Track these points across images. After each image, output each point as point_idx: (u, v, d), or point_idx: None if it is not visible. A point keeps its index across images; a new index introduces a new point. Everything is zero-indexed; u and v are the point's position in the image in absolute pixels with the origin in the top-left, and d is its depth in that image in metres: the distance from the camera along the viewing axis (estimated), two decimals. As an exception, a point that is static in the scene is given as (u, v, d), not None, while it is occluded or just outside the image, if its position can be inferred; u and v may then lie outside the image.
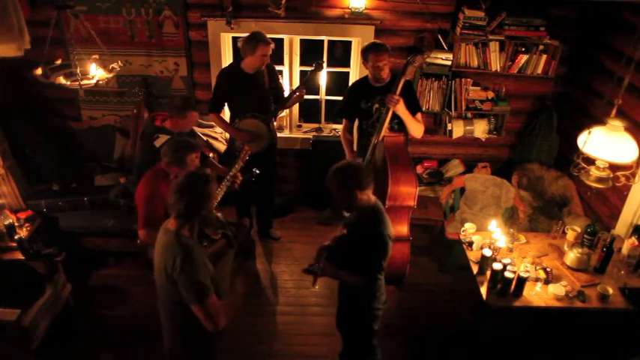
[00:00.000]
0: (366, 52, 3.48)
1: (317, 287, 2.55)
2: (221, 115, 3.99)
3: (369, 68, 3.54)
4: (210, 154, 4.27)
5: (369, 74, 3.63)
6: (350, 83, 4.73)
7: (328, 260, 2.60)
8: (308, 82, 3.96)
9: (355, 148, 3.96)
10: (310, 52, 4.90)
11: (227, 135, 4.56)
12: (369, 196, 2.49)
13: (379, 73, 3.49)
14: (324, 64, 4.20)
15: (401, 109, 3.43)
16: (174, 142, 2.95)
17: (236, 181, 3.25)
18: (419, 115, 3.62)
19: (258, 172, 3.46)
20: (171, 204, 2.12)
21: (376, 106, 3.61)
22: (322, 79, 4.67)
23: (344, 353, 3.12)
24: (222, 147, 4.50)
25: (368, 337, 2.89)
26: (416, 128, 3.59)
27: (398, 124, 3.65)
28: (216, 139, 4.55)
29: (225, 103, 3.96)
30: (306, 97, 4.06)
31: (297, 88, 3.92)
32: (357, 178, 2.43)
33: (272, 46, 3.65)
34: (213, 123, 4.59)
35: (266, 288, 4.09)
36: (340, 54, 5.80)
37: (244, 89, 3.78)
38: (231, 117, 3.96)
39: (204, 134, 4.48)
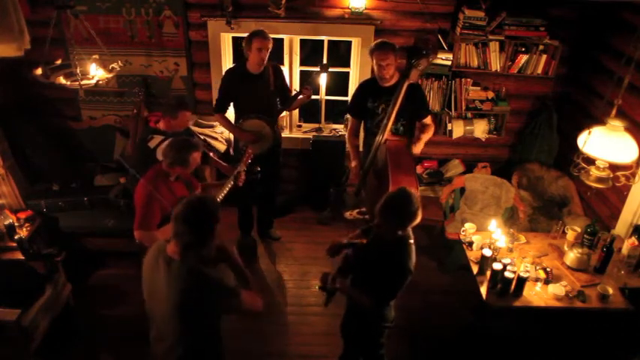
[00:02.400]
0: (371, 50, 3.48)
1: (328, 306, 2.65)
2: (226, 115, 3.98)
3: (374, 67, 3.54)
4: (210, 154, 4.28)
5: (375, 73, 3.62)
6: (349, 83, 4.75)
7: (341, 272, 2.64)
8: (311, 83, 3.95)
9: (361, 147, 3.95)
10: (315, 53, 4.91)
11: (227, 135, 4.57)
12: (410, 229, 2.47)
13: (382, 72, 3.48)
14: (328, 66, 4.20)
15: (417, 150, 3.54)
16: (176, 142, 2.93)
17: (239, 179, 3.26)
18: (428, 119, 3.65)
19: (259, 169, 3.47)
20: (176, 233, 1.98)
21: (382, 106, 3.60)
22: (322, 79, 4.67)
23: (344, 358, 3.11)
24: (221, 147, 4.49)
25: (376, 348, 2.91)
26: (428, 137, 3.65)
27: (403, 126, 3.65)
28: (215, 139, 4.54)
29: (231, 104, 3.96)
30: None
31: (302, 89, 3.91)
32: (410, 212, 2.37)
33: (269, 41, 3.60)
34: (213, 123, 4.59)
35: (266, 288, 4.09)
36: (340, 52, 5.81)
37: (249, 90, 3.77)
38: (236, 117, 3.96)
39: (203, 134, 4.47)
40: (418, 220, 2.41)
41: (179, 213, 1.98)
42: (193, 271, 2.01)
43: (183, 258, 2.01)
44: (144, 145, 3.27)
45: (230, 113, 3.99)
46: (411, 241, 2.51)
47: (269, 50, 3.65)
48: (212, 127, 4.60)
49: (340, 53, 5.74)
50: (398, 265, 2.45)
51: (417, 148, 3.55)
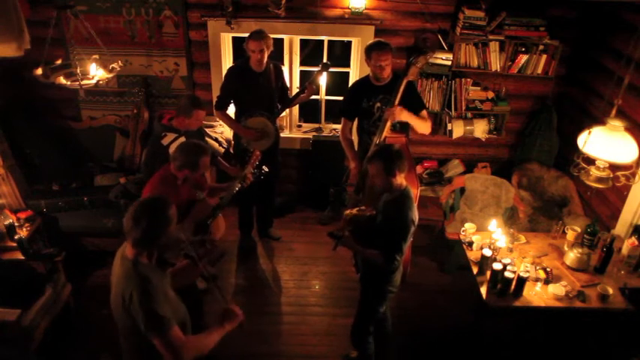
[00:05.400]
0: (370, 50, 3.45)
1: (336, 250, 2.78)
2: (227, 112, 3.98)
3: (371, 67, 3.52)
4: (222, 150, 4.29)
5: (370, 73, 3.62)
6: (350, 83, 4.74)
7: (353, 235, 2.77)
8: (314, 82, 3.96)
9: (356, 148, 3.95)
10: (318, 52, 4.92)
11: (227, 135, 4.57)
12: (402, 179, 2.65)
13: (381, 72, 3.47)
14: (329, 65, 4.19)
15: (404, 116, 3.41)
16: (186, 145, 2.92)
17: (246, 181, 3.26)
18: (424, 112, 3.60)
19: (267, 169, 3.47)
20: (126, 230, 1.99)
21: (377, 104, 3.60)
22: (322, 79, 4.68)
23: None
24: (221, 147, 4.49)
25: (369, 314, 3.00)
26: (423, 126, 3.57)
27: (400, 123, 3.64)
28: (215, 139, 4.54)
29: (232, 101, 3.96)
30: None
31: (304, 87, 3.92)
32: (398, 161, 2.58)
33: (263, 43, 3.59)
34: (212, 123, 4.59)
35: (266, 288, 4.09)
36: (339, 52, 5.82)
37: (251, 87, 3.79)
38: (237, 114, 3.97)
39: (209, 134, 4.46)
40: (404, 168, 2.61)
41: (129, 210, 2.00)
42: (136, 273, 1.98)
43: (135, 257, 2.02)
44: (157, 141, 3.26)
45: (230, 112, 3.99)
46: (412, 196, 2.70)
47: (265, 51, 3.64)
48: (212, 127, 4.60)
49: (341, 52, 5.75)
50: (399, 215, 2.61)
51: (404, 114, 3.41)
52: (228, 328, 2.19)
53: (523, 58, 4.25)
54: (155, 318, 1.95)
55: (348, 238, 2.77)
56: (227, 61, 4.59)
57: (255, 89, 3.80)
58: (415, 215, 2.67)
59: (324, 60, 4.44)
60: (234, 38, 4.56)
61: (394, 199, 2.65)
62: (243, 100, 3.88)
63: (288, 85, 4.24)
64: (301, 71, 4.72)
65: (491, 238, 3.37)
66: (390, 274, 2.81)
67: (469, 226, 3.50)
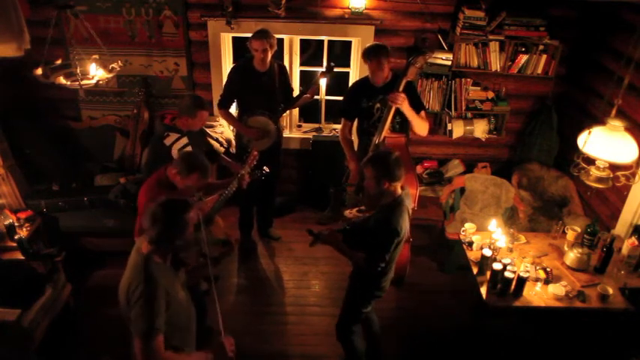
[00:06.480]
0: (366, 54, 3.47)
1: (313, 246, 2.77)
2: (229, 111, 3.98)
3: (369, 71, 3.54)
4: (222, 150, 4.28)
5: (369, 74, 3.62)
6: (350, 83, 4.74)
7: (344, 238, 2.76)
8: (317, 83, 3.96)
9: (355, 148, 3.95)
10: (318, 52, 4.92)
11: (227, 135, 4.57)
12: (396, 188, 2.62)
13: (378, 76, 3.49)
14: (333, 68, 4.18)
15: (406, 108, 3.40)
16: (188, 155, 2.89)
17: (243, 181, 3.25)
18: (423, 114, 3.61)
19: (267, 170, 3.46)
20: (145, 228, 2.05)
21: (377, 105, 3.60)
22: (323, 80, 4.67)
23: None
24: (220, 147, 4.49)
25: (353, 316, 3.01)
26: (421, 126, 3.56)
27: (399, 124, 3.65)
28: (215, 139, 4.54)
29: (235, 100, 3.96)
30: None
31: (307, 87, 3.92)
32: (394, 170, 2.55)
33: (265, 43, 3.59)
34: (212, 123, 4.59)
35: (266, 288, 4.09)
36: (339, 52, 5.82)
37: (254, 86, 3.79)
38: (239, 114, 3.97)
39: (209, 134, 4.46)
40: (399, 177, 2.57)
41: (149, 209, 2.05)
42: (145, 269, 2.02)
43: (148, 253, 2.06)
44: (159, 141, 3.26)
45: (231, 111, 4.00)
46: (407, 204, 2.67)
47: (268, 50, 3.64)
48: (212, 127, 4.60)
49: (341, 52, 5.74)
50: (385, 222, 2.58)
51: (406, 105, 3.38)
52: (209, 358, 2.24)
53: (523, 58, 4.25)
54: (144, 321, 1.97)
55: (328, 236, 2.73)
56: (227, 61, 4.59)
57: (258, 88, 3.80)
58: (403, 225, 2.62)
59: (326, 61, 4.43)
60: (234, 38, 4.56)
61: (387, 205, 2.63)
62: (246, 100, 3.89)
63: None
64: (301, 71, 4.71)
65: (491, 238, 3.37)
66: (379, 277, 2.78)
67: (469, 226, 3.50)
